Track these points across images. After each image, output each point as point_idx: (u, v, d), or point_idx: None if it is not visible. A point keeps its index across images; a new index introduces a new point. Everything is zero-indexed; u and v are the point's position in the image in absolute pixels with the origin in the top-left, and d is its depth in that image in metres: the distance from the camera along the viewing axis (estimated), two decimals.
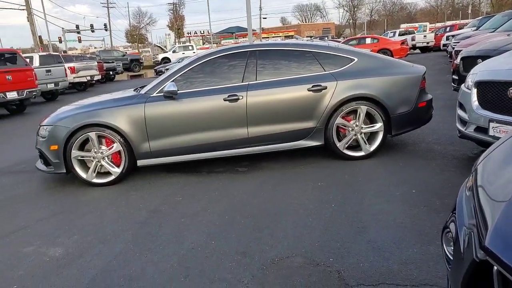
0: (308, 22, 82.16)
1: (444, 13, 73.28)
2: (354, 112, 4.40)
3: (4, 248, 3.10)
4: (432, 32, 28.48)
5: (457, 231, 1.36)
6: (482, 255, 1.07)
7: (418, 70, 4.55)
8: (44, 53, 17.51)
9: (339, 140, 4.44)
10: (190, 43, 42.79)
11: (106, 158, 4.34)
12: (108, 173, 4.40)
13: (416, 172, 3.97)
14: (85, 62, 19.89)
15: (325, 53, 4.50)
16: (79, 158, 4.33)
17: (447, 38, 18.42)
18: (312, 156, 4.76)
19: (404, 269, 2.35)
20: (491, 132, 3.42)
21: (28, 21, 29.78)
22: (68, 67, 17.13)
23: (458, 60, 6.50)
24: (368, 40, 21.35)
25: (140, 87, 4.84)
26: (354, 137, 4.44)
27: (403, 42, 20.70)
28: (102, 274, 2.60)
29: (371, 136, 4.54)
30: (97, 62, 21.19)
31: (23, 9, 29.78)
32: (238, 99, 4.28)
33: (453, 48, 9.65)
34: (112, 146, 4.30)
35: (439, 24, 47.29)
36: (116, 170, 4.36)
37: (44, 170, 4.45)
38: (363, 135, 4.45)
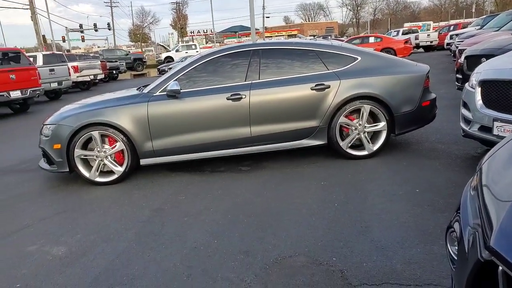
0: (311, 21, 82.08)
1: (448, 12, 73.02)
2: (358, 111, 4.39)
3: (7, 247, 3.11)
4: (436, 31, 28.37)
5: (461, 231, 1.35)
6: (487, 255, 1.06)
7: (422, 69, 4.53)
8: (48, 52, 17.57)
9: (342, 139, 4.43)
10: (193, 42, 42.76)
11: (109, 157, 4.35)
12: (111, 172, 4.41)
13: (420, 171, 3.95)
14: (88, 61, 19.92)
15: (328, 52, 4.48)
16: (82, 157, 4.33)
17: (451, 37, 18.35)
18: (315, 156, 4.75)
19: (408, 269, 2.34)
20: (495, 131, 3.40)
21: (32, 20, 29.89)
22: (71, 66, 17.20)
23: (462, 59, 6.47)
24: (371, 39, 21.30)
25: (143, 86, 4.84)
26: (357, 136, 4.43)
27: (406, 41, 20.64)
28: (105, 273, 2.60)
29: (374, 135, 4.52)
30: (100, 61, 21.23)
31: (27, 9, 29.90)
32: (241, 98, 4.28)
33: (457, 47, 9.61)
34: (115, 145, 4.31)
35: (442, 23, 47.13)
36: (119, 169, 4.37)
37: (47, 169, 4.46)
38: (366, 134, 4.44)
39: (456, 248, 1.40)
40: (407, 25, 43.25)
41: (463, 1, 73.70)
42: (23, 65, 11.58)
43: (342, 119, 4.36)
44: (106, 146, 4.34)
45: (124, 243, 2.99)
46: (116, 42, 52.25)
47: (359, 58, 4.46)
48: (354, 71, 4.37)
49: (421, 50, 26.87)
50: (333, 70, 4.39)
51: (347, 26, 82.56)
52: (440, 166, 4.04)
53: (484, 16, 19.19)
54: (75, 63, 18.27)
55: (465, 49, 6.93)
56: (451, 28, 24.41)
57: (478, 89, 3.62)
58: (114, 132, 4.25)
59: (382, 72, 4.38)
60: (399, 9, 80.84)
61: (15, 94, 11.01)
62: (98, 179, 4.39)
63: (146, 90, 4.45)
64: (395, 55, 17.75)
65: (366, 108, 4.33)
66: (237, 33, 51.00)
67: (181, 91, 4.27)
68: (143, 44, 65.45)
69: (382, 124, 4.40)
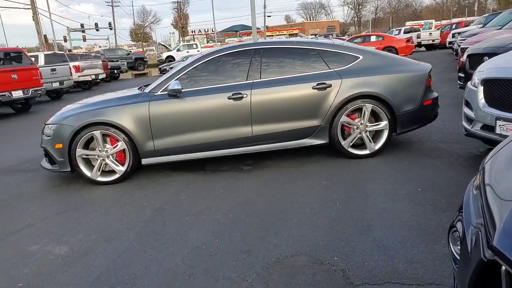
0: (313, 20, 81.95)
1: (450, 10, 72.85)
2: (359, 110, 4.38)
3: (9, 247, 3.12)
4: (438, 29, 28.32)
5: (464, 230, 1.34)
6: (490, 255, 1.05)
7: (424, 67, 4.52)
8: (49, 52, 17.58)
9: (344, 139, 4.43)
10: (194, 41, 42.77)
11: (110, 156, 4.35)
12: (112, 172, 4.41)
13: (422, 170, 3.94)
14: (89, 61, 19.94)
15: (330, 51, 4.47)
16: (84, 156, 4.33)
17: (453, 36, 18.32)
18: (317, 155, 4.75)
19: (410, 268, 2.34)
20: (497, 130, 3.38)
21: (34, 20, 29.92)
22: (73, 66, 17.19)
23: (464, 58, 6.45)
24: (373, 38, 21.25)
25: (144, 86, 4.84)
26: (359, 135, 4.42)
27: (408, 40, 20.59)
28: (107, 272, 2.60)
29: (376, 134, 4.51)
30: (102, 61, 21.27)
31: (29, 8, 29.94)
32: (243, 97, 4.27)
33: (459, 45, 9.59)
34: (117, 145, 4.31)
35: (444, 22, 47.05)
36: (121, 169, 4.37)
37: (49, 168, 4.47)
38: (368, 133, 4.43)
39: (459, 247, 1.40)
40: (409, 24, 43.22)
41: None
42: (25, 65, 11.60)
43: (343, 118, 4.35)
44: (108, 146, 4.35)
45: (126, 242, 2.99)
46: (118, 41, 52.32)
47: (361, 57, 4.45)
48: (356, 70, 4.36)
49: (423, 48, 26.80)
50: (335, 69, 4.38)
51: (349, 25, 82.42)
52: (442, 165, 4.02)
53: (487, 15, 19.10)
54: (76, 63, 18.29)
55: (467, 47, 6.91)
56: (453, 26, 24.33)
57: (481, 88, 3.61)
58: (115, 131, 4.25)
59: (384, 71, 4.37)
60: (400, 7, 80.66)
61: (17, 94, 11.03)
62: (100, 179, 4.39)
63: (147, 90, 4.45)
64: (397, 54, 17.71)
65: (368, 107, 4.32)
66: (238, 32, 50.92)
67: (183, 90, 4.26)
68: (144, 43, 65.48)
69: (384, 123, 4.39)
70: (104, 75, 20.97)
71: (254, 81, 4.35)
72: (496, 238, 1.04)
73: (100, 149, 4.30)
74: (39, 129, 4.89)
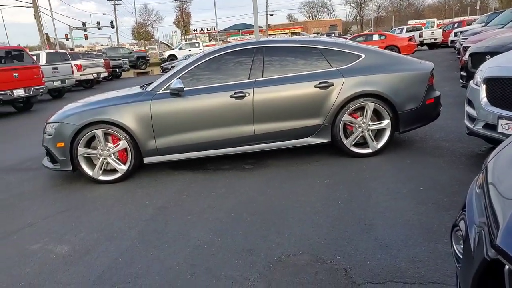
0: (315, 18, 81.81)
1: (452, 9, 72.64)
2: (362, 109, 4.37)
3: (11, 246, 3.12)
4: (440, 28, 28.23)
5: (467, 229, 1.34)
6: (494, 254, 1.05)
7: (426, 66, 4.51)
8: (51, 51, 17.57)
9: (346, 137, 4.42)
10: (196, 40, 42.77)
11: (112, 155, 4.35)
12: (114, 171, 4.41)
13: (424, 169, 3.93)
14: (91, 60, 19.95)
15: (332, 50, 4.46)
16: (86, 155, 4.34)
17: (455, 35, 18.25)
18: (319, 154, 4.74)
19: (412, 267, 2.33)
20: (500, 129, 3.37)
21: (35, 18, 29.94)
22: (74, 65, 17.20)
23: (466, 57, 6.43)
24: (375, 37, 21.19)
25: (146, 84, 4.84)
26: (361, 134, 4.41)
27: (410, 39, 20.52)
28: (108, 271, 2.60)
29: (378, 133, 4.51)
30: (104, 60, 21.24)
31: (30, 7, 29.96)
32: (245, 96, 4.27)
33: (461, 44, 9.55)
34: (119, 144, 4.31)
35: (447, 20, 46.88)
36: (123, 168, 4.37)
37: (51, 167, 4.47)
38: (370, 132, 4.42)
39: (462, 246, 1.39)
40: (411, 23, 43.13)
41: None
42: (27, 63, 11.60)
43: (346, 117, 4.34)
44: (110, 145, 4.35)
45: (128, 241, 3.00)
46: (119, 40, 52.24)
47: (363, 56, 4.44)
48: (358, 69, 4.35)
49: (425, 47, 26.72)
50: (337, 68, 4.37)
51: (351, 23, 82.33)
52: (445, 164, 4.01)
53: (489, 13, 19.07)
54: (78, 62, 18.29)
55: (470, 46, 6.88)
56: (456, 25, 24.25)
57: (483, 87, 3.60)
58: (117, 130, 4.25)
59: (386, 69, 4.36)
60: (403, 6, 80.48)
61: (19, 92, 11.04)
62: (102, 178, 4.39)
63: (149, 88, 4.45)
64: (399, 52, 17.66)
65: (370, 106, 4.31)
66: (240, 31, 50.87)
67: (185, 89, 4.26)
68: (146, 42, 65.49)
69: (386, 122, 4.38)
70: (106, 74, 20.96)
71: (256, 79, 4.34)
72: (500, 237, 1.03)
73: (102, 148, 4.31)
74: (40, 128, 4.89)
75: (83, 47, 60.39)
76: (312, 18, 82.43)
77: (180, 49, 34.21)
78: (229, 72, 4.40)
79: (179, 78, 4.34)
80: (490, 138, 3.66)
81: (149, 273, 2.53)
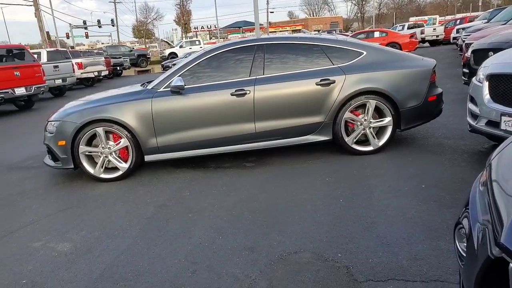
0: (316, 16, 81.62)
1: (454, 5, 72.46)
2: (363, 106, 4.36)
3: (13, 243, 3.12)
4: (442, 25, 28.13)
5: (470, 227, 1.33)
6: (498, 252, 1.04)
7: (428, 63, 4.49)
8: (52, 49, 17.59)
9: (348, 135, 4.40)
10: (197, 38, 42.75)
11: (113, 153, 4.35)
12: (115, 169, 4.41)
13: (426, 166, 3.92)
14: (92, 58, 19.94)
15: (333, 47, 4.45)
16: (87, 153, 4.34)
17: (457, 31, 18.20)
18: (320, 151, 4.73)
19: (414, 265, 2.32)
20: (503, 126, 3.36)
21: (36, 17, 29.92)
22: (75, 63, 17.21)
23: (468, 53, 6.40)
24: (376, 34, 21.15)
25: (147, 82, 4.83)
26: (362, 131, 4.40)
27: (412, 36, 20.50)
28: (110, 269, 2.60)
29: (380, 131, 4.49)
30: (104, 58, 21.23)
31: (31, 5, 29.94)
32: (246, 93, 4.26)
33: (464, 41, 9.51)
34: (120, 142, 4.31)
35: (449, 17, 46.69)
36: (124, 166, 4.37)
37: (52, 165, 4.47)
38: (371, 129, 4.41)
39: (465, 244, 1.38)
40: (412, 19, 42.91)
41: None
42: (28, 62, 11.61)
43: (347, 115, 4.33)
44: (111, 143, 4.34)
45: (129, 239, 2.99)
46: (120, 38, 52.19)
47: (365, 53, 4.42)
48: (360, 66, 4.34)
49: (427, 44, 26.68)
50: (338, 65, 4.36)
51: (352, 21, 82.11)
52: (446, 162, 4.00)
53: (491, 10, 18.99)
54: (79, 60, 18.30)
55: (472, 43, 6.86)
56: (458, 22, 24.19)
57: (486, 83, 3.58)
58: (118, 128, 4.25)
59: (388, 66, 4.34)
60: (404, 3, 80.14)
61: (20, 91, 11.04)
62: (103, 176, 4.39)
63: (150, 86, 4.44)
64: (401, 49, 17.62)
65: (372, 103, 4.30)
66: (241, 28, 50.83)
67: (185, 87, 4.25)
68: (147, 40, 65.41)
69: (387, 119, 4.36)
70: (106, 72, 20.96)
71: (257, 77, 4.33)
72: (504, 235, 1.03)
73: (103, 146, 4.30)
74: (42, 126, 4.90)
75: (84, 45, 60.41)
76: (313, 16, 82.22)
77: (181, 47, 34.18)
78: (230, 70, 4.39)
79: (179, 76, 4.33)
80: (492, 136, 3.65)
81: (151, 271, 2.53)
